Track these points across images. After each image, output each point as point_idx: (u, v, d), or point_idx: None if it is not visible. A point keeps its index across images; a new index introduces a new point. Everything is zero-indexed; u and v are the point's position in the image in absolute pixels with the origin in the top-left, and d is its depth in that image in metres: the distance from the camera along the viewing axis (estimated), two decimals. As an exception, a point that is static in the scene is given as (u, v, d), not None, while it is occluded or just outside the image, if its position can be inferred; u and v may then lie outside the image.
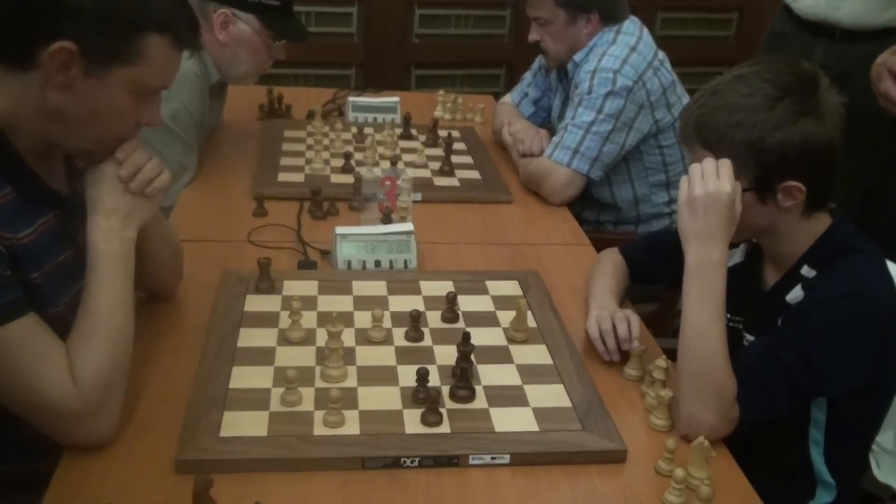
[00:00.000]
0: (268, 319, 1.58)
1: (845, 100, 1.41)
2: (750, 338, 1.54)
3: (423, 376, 1.38)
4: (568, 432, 1.35)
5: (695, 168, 1.40)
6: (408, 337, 1.56)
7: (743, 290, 1.54)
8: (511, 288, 1.77)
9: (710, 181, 1.38)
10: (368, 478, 1.26)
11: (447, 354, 1.50)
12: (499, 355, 1.54)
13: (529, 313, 1.64)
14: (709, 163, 1.39)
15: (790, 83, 1.39)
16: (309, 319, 1.57)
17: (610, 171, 2.30)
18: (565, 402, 1.42)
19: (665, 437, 1.36)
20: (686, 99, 2.29)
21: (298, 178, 2.22)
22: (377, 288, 1.73)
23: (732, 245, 1.49)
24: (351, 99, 2.74)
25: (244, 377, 1.42)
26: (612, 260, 1.79)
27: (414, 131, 2.58)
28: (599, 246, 1.99)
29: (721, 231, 1.38)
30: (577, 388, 1.45)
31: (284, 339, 1.52)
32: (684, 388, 1.37)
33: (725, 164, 1.39)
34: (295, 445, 1.27)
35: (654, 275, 1.80)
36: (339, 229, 1.83)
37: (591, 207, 2.42)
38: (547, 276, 1.84)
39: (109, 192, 1.34)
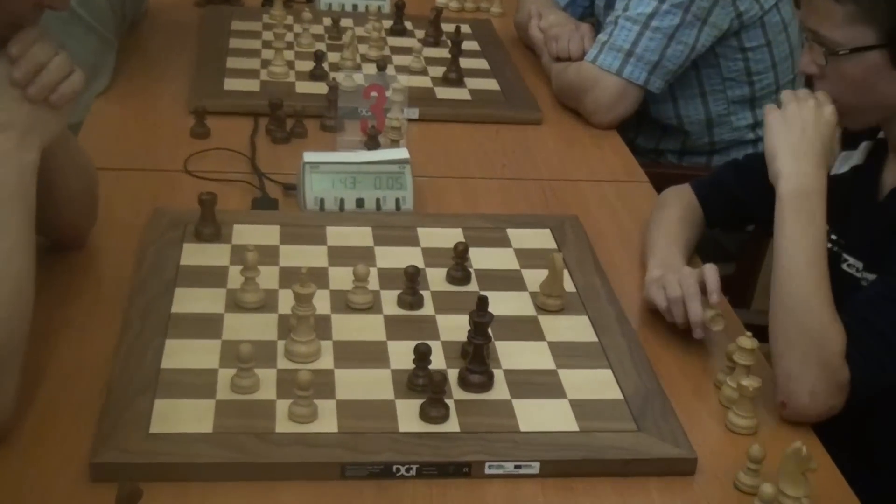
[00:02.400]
0: (212, 276, 1.58)
1: None
2: (850, 260, 1.57)
3: (422, 355, 1.38)
4: (618, 434, 1.35)
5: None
6: (402, 303, 1.56)
7: (853, 200, 1.56)
8: (541, 238, 1.77)
9: (811, 101, 1.51)
10: (349, 490, 1.26)
11: (455, 327, 1.50)
12: (525, 329, 1.54)
13: (566, 273, 1.64)
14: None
15: None
16: (268, 277, 1.57)
17: (675, 81, 2.28)
18: (614, 392, 1.42)
19: (748, 441, 1.36)
20: (779, -14, 2.28)
21: (252, 85, 2.21)
22: (360, 236, 1.72)
23: (851, 138, 1.56)
24: (323, -21, 2.71)
25: (181, 353, 1.42)
26: (679, 201, 1.80)
27: (409, 24, 2.57)
28: (659, 183, 1.98)
29: (824, 153, 1.49)
30: (631, 375, 1.45)
31: (235, 304, 1.52)
32: (779, 341, 1.43)
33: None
34: (251, 446, 1.27)
35: (745, 210, 1.79)
36: (309, 156, 1.82)
37: (648, 131, 2.41)
38: (589, 223, 1.84)
39: (1, 101, 1.32)
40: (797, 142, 1.48)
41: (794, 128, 1.49)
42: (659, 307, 1.56)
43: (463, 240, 1.67)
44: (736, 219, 1.86)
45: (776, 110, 1.54)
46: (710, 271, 1.53)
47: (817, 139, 1.49)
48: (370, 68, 2.27)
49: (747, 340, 1.43)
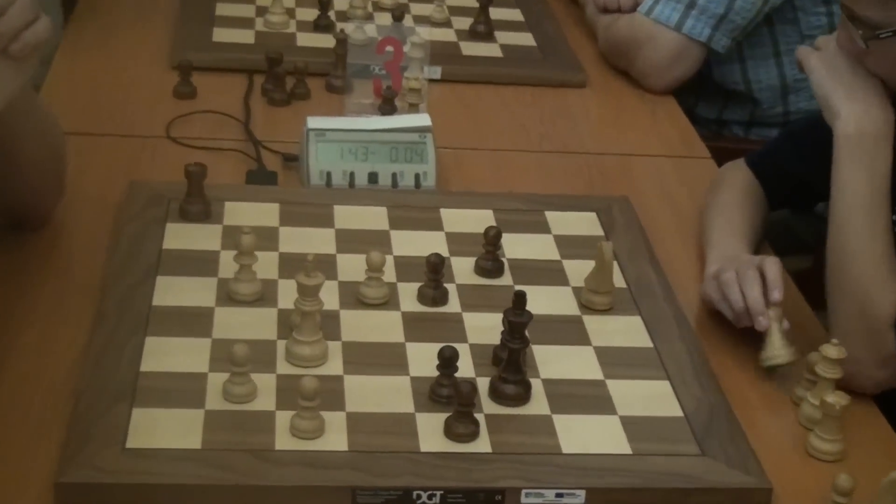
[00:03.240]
0: (201, 263, 1.58)
1: None
2: None
3: (448, 361, 1.37)
4: (678, 458, 1.34)
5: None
6: (423, 297, 1.55)
7: None
8: (586, 223, 1.76)
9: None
10: (361, 520, 1.25)
11: (486, 327, 1.49)
12: (567, 331, 1.54)
13: (616, 265, 1.62)
14: None
15: None
16: (266, 265, 1.56)
17: (744, 39, 2.27)
18: (673, 408, 1.41)
19: (834, 469, 1.34)
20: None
21: (246, 37, 2.21)
22: (373, 217, 1.72)
23: None
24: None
25: (164, 354, 1.41)
26: (735, 180, 1.80)
27: (430, -33, 2.55)
28: (723, 159, 1.98)
29: (882, 91, 1.53)
30: (693, 388, 1.44)
31: (228, 296, 1.52)
32: (828, 302, 1.53)
33: None
34: (245, 466, 1.26)
35: (810, 187, 1.77)
36: (313, 121, 1.82)
37: (711, 98, 2.41)
38: (642, 206, 1.83)
39: (-49, 52, 1.31)
40: (850, 80, 1.53)
41: (841, 66, 1.54)
42: (713, 302, 1.56)
43: (494, 223, 1.66)
44: (802, 198, 1.85)
45: (813, 51, 1.59)
46: (771, 264, 1.54)
47: (870, 76, 1.53)
48: (385, 18, 2.26)
49: (832, 349, 1.42)
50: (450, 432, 1.33)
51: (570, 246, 1.70)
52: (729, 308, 1.54)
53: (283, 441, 1.30)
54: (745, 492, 1.31)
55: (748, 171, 1.81)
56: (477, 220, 1.70)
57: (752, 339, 1.53)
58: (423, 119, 1.84)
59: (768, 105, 2.36)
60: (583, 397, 1.42)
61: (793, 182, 1.79)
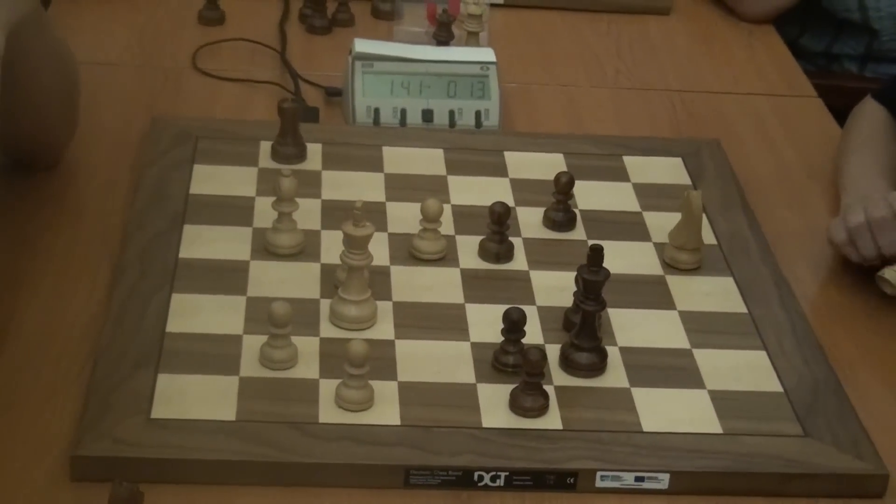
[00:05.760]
0: (234, 210, 1.59)
1: None
2: None
3: (514, 324, 1.38)
4: (777, 438, 1.34)
5: None
6: (485, 253, 1.56)
7: None
8: (671, 170, 1.76)
9: None
10: (415, 502, 1.26)
11: (557, 287, 1.50)
12: (649, 293, 1.54)
13: (705, 218, 1.62)
14: None
15: None
16: (308, 213, 1.57)
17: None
18: (771, 382, 1.41)
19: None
20: None
21: (282, -47, 2.21)
22: (429, 161, 1.73)
23: None
24: None
25: (193, 313, 1.42)
26: (866, 117, 1.80)
27: None
28: (832, 99, 1.99)
29: None
30: (794, 359, 1.44)
31: (265, 248, 1.53)
32: None
33: None
34: (285, 440, 1.28)
35: None
36: (361, 44, 1.82)
37: (818, 28, 2.41)
38: (735, 151, 1.83)
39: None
40: None
41: None
42: (839, 245, 1.56)
43: (565, 169, 1.67)
44: None
45: None
46: None
47: None
48: (440, -68, 2.26)
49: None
50: (516, 406, 1.34)
51: (652, 196, 1.70)
52: (857, 254, 1.55)
53: (328, 413, 1.31)
54: (856, 478, 1.31)
55: (879, 106, 1.81)
56: (546, 165, 1.70)
57: (865, 306, 1.54)
58: (485, 52, 1.84)
59: (888, 36, 2.35)
60: (666, 368, 1.42)
61: None
